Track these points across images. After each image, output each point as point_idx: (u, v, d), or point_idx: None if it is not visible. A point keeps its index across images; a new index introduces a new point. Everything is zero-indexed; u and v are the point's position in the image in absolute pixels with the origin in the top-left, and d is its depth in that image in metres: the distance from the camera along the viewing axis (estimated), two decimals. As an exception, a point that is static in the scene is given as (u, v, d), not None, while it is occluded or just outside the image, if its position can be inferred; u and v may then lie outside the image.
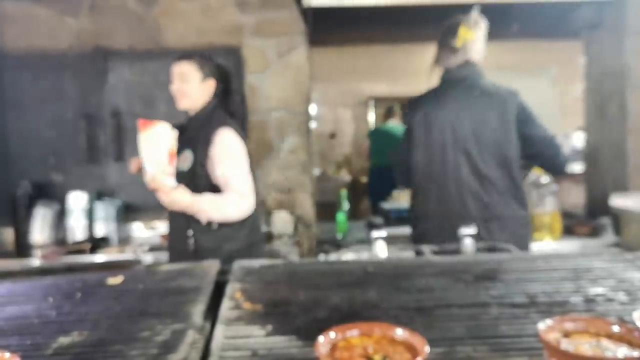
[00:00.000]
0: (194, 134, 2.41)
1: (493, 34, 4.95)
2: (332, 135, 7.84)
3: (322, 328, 0.96)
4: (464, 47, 2.57)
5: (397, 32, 5.49)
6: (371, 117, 7.93)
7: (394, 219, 4.08)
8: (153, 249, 3.25)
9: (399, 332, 0.74)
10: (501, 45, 6.51)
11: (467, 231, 1.58)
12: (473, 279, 1.20)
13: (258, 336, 0.95)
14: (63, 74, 3.55)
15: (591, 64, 3.78)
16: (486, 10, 3.66)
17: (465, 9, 3.60)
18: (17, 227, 3.38)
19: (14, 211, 3.37)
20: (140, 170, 2.29)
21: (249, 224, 2.40)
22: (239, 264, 1.33)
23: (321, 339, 0.73)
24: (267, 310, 1.05)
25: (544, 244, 3.30)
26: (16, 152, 3.53)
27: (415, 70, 7.62)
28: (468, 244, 1.51)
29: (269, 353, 0.88)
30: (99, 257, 3.11)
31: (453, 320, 0.98)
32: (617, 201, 3.25)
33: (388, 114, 6.90)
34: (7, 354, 0.76)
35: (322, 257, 3.40)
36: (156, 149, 2.12)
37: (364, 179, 7.22)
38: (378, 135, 6.85)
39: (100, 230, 3.46)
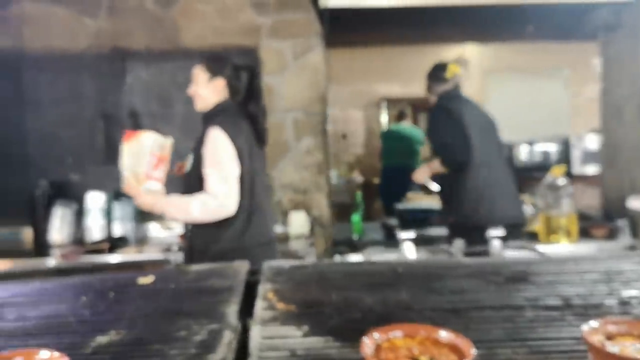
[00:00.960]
0: (200, 135, 2.45)
1: (507, 35, 4.95)
2: (344, 136, 7.84)
3: (358, 329, 0.96)
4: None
5: (409, 33, 5.49)
6: (383, 118, 7.92)
7: (410, 220, 4.05)
8: (170, 249, 3.26)
9: (443, 334, 0.74)
10: (513, 46, 6.51)
11: (496, 233, 1.58)
12: (504, 281, 1.20)
13: (295, 337, 0.95)
14: (81, 75, 3.58)
15: (608, 66, 3.77)
16: (502, 11, 3.66)
17: (477, 10, 3.62)
18: (35, 227, 3.40)
19: (32, 211, 3.39)
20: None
21: (237, 226, 2.38)
22: (268, 265, 1.34)
23: (366, 339, 0.73)
24: (301, 311, 1.05)
25: (561, 247, 3.28)
26: (35, 152, 3.57)
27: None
28: (496, 245, 1.51)
29: (308, 353, 0.88)
30: (127, 257, 3.13)
31: (488, 322, 0.98)
32: (635, 203, 3.23)
33: (400, 115, 6.91)
34: (57, 353, 0.77)
35: (337, 258, 3.41)
36: (136, 157, 2.33)
37: (376, 180, 7.20)
38: (390, 137, 6.86)
39: (117, 230, 3.49)
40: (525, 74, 6.70)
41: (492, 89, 6.74)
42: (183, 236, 2.75)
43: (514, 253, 1.83)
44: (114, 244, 3.29)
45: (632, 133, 3.39)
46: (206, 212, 2.32)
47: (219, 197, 2.31)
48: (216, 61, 2.50)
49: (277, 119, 3.65)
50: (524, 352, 0.86)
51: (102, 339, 0.99)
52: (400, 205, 4.40)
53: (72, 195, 3.52)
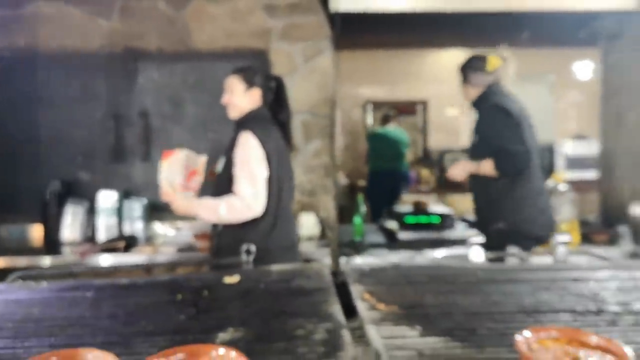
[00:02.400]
0: (231, 139, 2.56)
1: (502, 42, 5.06)
2: (330, 139, 7.89)
3: (470, 329, 1.04)
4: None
5: (395, 38, 5.61)
6: (369, 121, 8.02)
7: (407, 223, 4.09)
8: (182, 249, 3.29)
9: (594, 338, 0.81)
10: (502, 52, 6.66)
11: (562, 239, 1.67)
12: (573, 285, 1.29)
13: (413, 336, 1.01)
14: (93, 74, 3.58)
15: (609, 73, 3.90)
16: (499, 17, 3.75)
17: (475, 17, 3.72)
18: (46, 225, 3.40)
19: (44, 209, 3.38)
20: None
21: (263, 228, 2.48)
22: (349, 267, 1.40)
23: (519, 337, 0.80)
24: (405, 312, 1.12)
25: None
26: (47, 151, 3.56)
27: (413, 75, 7.80)
28: (563, 251, 1.60)
29: (434, 353, 0.94)
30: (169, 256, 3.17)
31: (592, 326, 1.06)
32: (637, 210, 3.38)
33: (385, 118, 7.01)
34: (233, 353, 0.81)
35: (343, 260, 3.48)
36: (172, 171, 2.57)
37: (361, 183, 7.27)
38: (377, 139, 6.93)
39: (127, 229, 3.50)
40: (513, 79, 6.86)
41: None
42: (209, 236, 2.81)
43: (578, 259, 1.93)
44: (128, 242, 3.30)
45: (634, 141, 3.54)
46: (234, 212, 2.41)
47: (246, 199, 2.40)
48: (251, 72, 2.62)
49: (286, 122, 3.70)
50: None
51: (224, 336, 1.04)
52: (401, 208, 4.48)
53: (83, 194, 3.53)
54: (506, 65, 3.11)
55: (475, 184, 3.10)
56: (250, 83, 2.57)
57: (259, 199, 2.42)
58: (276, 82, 2.68)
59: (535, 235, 2.85)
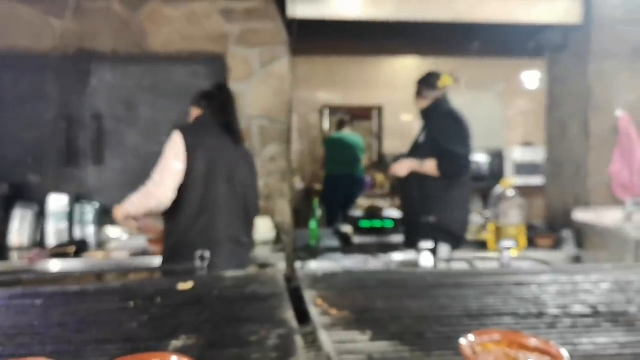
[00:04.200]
0: None
1: (453, 51, 5.18)
2: (286, 142, 7.90)
3: (418, 333, 1.07)
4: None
5: (351, 45, 5.68)
6: (326, 125, 8.07)
7: (361, 228, 4.12)
8: (135, 253, 3.25)
9: (533, 340, 0.85)
10: (455, 61, 6.83)
11: (507, 245, 1.73)
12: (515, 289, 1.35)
13: (363, 341, 1.04)
14: (45, 75, 3.51)
15: (554, 84, 4.05)
16: (451, 27, 3.84)
17: (427, 26, 3.80)
18: (-7, 229, 3.30)
19: (-9, 213, 3.29)
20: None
21: (183, 221, 2.58)
22: (303, 272, 1.43)
23: (463, 341, 0.84)
24: (356, 317, 1.14)
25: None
26: (-6, 153, 3.46)
27: (368, 81, 7.90)
28: (507, 256, 1.65)
29: (384, 357, 0.97)
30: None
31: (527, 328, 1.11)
32: (580, 215, 3.52)
33: (341, 123, 7.08)
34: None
35: (299, 264, 3.50)
36: None
37: (317, 187, 7.31)
38: (333, 144, 6.98)
39: (78, 234, 3.43)
40: (464, 87, 7.03)
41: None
42: (154, 241, 2.89)
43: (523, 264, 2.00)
44: (79, 247, 3.24)
45: (576, 149, 3.68)
46: (141, 198, 2.59)
47: (149, 186, 2.56)
48: (197, 95, 2.85)
49: (243, 126, 3.68)
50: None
51: (177, 343, 1.05)
52: (356, 212, 4.52)
53: (33, 197, 3.44)
54: (456, 84, 3.42)
55: (411, 181, 3.33)
56: (193, 103, 2.82)
57: (161, 188, 2.54)
58: (222, 91, 2.85)
59: (459, 235, 3.18)
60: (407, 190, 3.40)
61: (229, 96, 2.83)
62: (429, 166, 3.19)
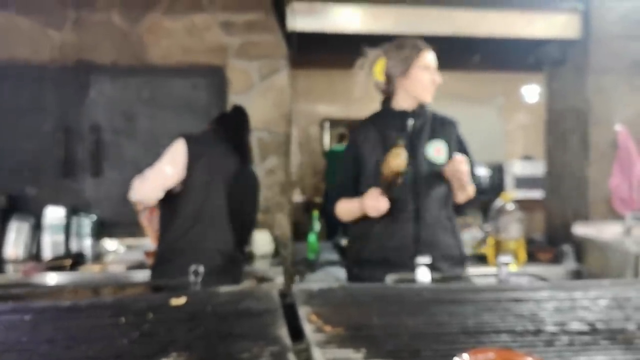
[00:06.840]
0: None
1: (454, 64, 5.19)
2: (286, 156, 7.90)
3: (415, 351, 1.05)
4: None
5: (351, 58, 5.67)
6: (326, 139, 8.07)
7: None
8: (132, 266, 3.22)
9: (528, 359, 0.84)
10: (454, 75, 6.82)
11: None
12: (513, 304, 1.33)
13: (357, 359, 1.02)
14: (43, 87, 3.50)
15: (553, 98, 4.05)
16: (451, 41, 3.85)
17: (427, 40, 3.80)
18: (-11, 241, 3.28)
19: (-13, 225, 3.27)
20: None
21: (178, 228, 2.57)
22: (298, 287, 1.40)
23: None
24: (351, 334, 1.12)
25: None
26: (-8, 164, 3.45)
27: (369, 95, 7.89)
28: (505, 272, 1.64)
29: (377, 374, 0.95)
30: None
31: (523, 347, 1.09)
32: (580, 229, 3.50)
33: (341, 137, 7.09)
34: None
35: (297, 278, 3.47)
36: None
37: (317, 199, 7.29)
38: (334, 157, 6.98)
39: (74, 246, 3.41)
40: (463, 101, 7.03)
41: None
42: (151, 254, 2.87)
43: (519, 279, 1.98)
44: (75, 260, 3.21)
45: (576, 163, 3.66)
46: (132, 188, 2.62)
47: (135, 179, 2.59)
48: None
49: (242, 138, 3.70)
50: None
51: (167, 361, 1.03)
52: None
53: (30, 209, 3.42)
54: None
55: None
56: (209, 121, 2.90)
57: (143, 185, 2.56)
58: (237, 112, 2.88)
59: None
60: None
61: (243, 117, 2.87)
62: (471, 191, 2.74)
